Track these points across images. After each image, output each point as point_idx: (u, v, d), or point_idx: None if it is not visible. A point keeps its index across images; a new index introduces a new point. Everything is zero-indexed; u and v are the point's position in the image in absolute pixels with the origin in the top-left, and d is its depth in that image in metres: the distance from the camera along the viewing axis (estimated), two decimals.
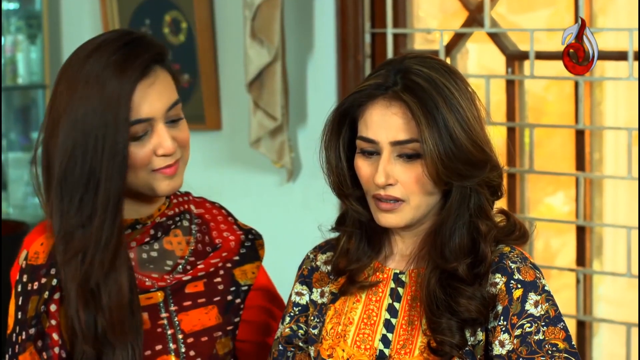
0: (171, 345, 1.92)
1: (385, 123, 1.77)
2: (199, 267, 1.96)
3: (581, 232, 3.32)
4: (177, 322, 1.93)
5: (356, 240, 1.87)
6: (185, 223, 1.99)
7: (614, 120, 3.50)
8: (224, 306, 1.98)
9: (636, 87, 3.10)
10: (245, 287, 2.01)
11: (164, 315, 1.92)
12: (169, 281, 1.92)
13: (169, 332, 1.92)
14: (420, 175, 1.76)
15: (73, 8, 4.42)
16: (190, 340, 1.93)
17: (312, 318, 1.91)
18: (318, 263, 1.94)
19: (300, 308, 1.93)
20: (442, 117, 1.73)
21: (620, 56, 3.16)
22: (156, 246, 1.94)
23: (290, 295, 1.95)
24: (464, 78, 1.82)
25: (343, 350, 1.84)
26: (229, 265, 2.00)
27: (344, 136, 1.84)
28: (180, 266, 1.95)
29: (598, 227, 3.37)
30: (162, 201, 1.95)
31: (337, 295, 1.89)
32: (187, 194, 2.04)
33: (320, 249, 1.96)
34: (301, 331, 1.92)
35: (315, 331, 1.90)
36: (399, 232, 1.86)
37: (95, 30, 4.30)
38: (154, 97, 1.83)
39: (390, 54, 3.52)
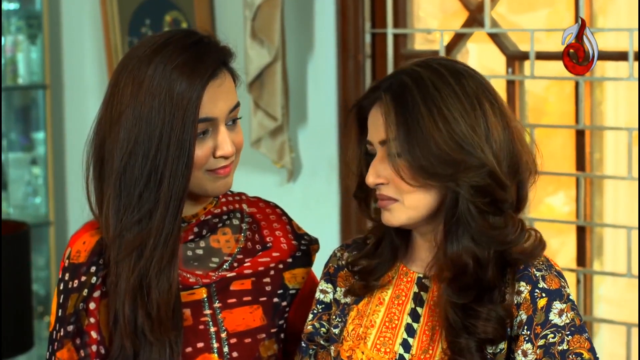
0: (214, 344, 1.90)
1: (375, 124, 1.78)
2: (246, 265, 1.95)
3: (581, 232, 3.32)
4: (220, 320, 1.91)
5: (380, 248, 1.87)
6: (236, 222, 1.98)
7: (614, 121, 3.50)
8: (270, 308, 1.96)
9: (636, 87, 3.10)
10: (293, 291, 1.99)
11: (207, 312, 1.91)
12: (214, 278, 1.92)
13: (212, 329, 1.91)
14: (396, 168, 1.75)
15: (73, 8, 4.42)
16: (233, 340, 1.91)
17: (334, 317, 1.90)
18: (344, 262, 1.92)
19: (323, 306, 1.93)
20: (416, 114, 1.72)
21: (621, 56, 3.16)
22: (202, 244, 1.94)
23: (316, 292, 1.95)
24: (480, 81, 1.78)
25: (362, 353, 1.82)
26: (280, 266, 1.98)
27: (362, 143, 1.84)
28: (227, 264, 1.94)
29: (598, 227, 3.37)
30: (209, 200, 1.95)
31: (360, 296, 1.88)
32: (241, 194, 2.04)
33: (347, 247, 1.95)
34: (323, 329, 1.92)
35: (337, 330, 1.89)
36: (420, 234, 1.84)
37: (95, 30, 4.31)
38: (220, 97, 1.85)
39: (390, 54, 3.53)
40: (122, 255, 1.83)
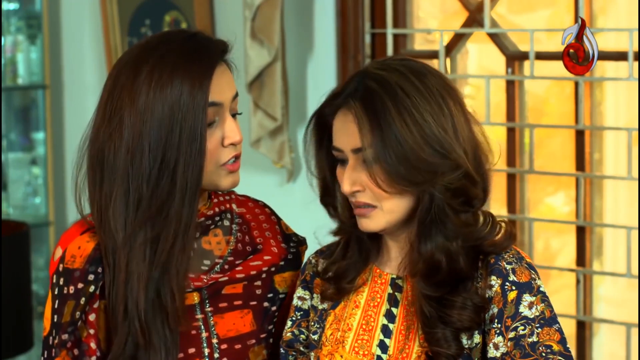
0: (205, 349, 1.89)
1: (345, 131, 1.77)
2: (237, 269, 1.93)
3: (581, 232, 3.32)
4: (212, 324, 1.90)
5: (351, 250, 1.87)
6: (226, 223, 1.96)
7: (614, 121, 3.51)
8: (260, 313, 1.94)
9: (636, 87, 3.10)
10: (283, 295, 1.98)
11: (199, 316, 1.89)
12: (205, 281, 1.89)
13: (204, 335, 1.89)
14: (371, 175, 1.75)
15: (73, 8, 4.42)
16: (224, 346, 1.90)
17: (312, 323, 1.91)
18: (319, 268, 1.92)
19: (302, 313, 1.93)
20: (389, 120, 1.72)
21: (621, 56, 3.16)
22: (194, 246, 1.90)
23: (293, 299, 1.95)
24: (437, 76, 1.79)
25: (341, 357, 1.83)
26: (272, 269, 1.96)
27: (326, 146, 1.84)
28: (218, 266, 1.92)
29: (598, 228, 3.37)
30: (203, 202, 1.92)
31: (337, 301, 1.88)
32: (230, 192, 2.01)
33: (321, 253, 1.94)
34: (302, 336, 1.92)
35: (316, 337, 1.89)
36: (391, 236, 1.84)
37: (95, 30, 4.31)
38: (225, 83, 1.84)
39: (390, 54, 3.52)
40: (136, 250, 1.80)
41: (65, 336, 1.84)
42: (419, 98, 1.74)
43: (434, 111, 1.74)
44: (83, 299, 1.84)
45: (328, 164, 1.85)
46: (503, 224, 1.81)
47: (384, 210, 1.77)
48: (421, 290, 1.76)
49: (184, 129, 1.79)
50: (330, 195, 1.86)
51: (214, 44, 1.86)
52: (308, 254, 2.04)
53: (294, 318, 1.93)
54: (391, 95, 1.73)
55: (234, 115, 1.87)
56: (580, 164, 3.31)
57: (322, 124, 1.83)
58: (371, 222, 1.79)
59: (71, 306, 1.85)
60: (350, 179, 1.77)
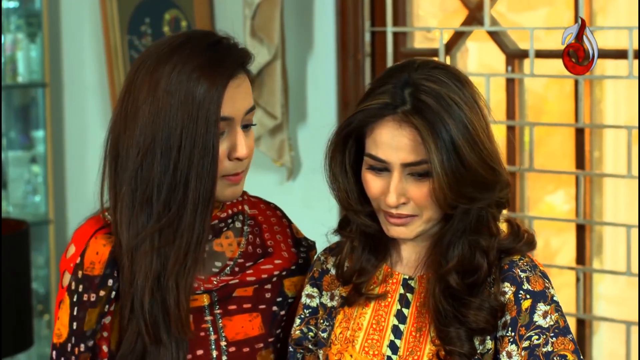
0: (214, 352, 1.88)
1: (395, 144, 1.74)
2: (248, 272, 1.92)
3: (581, 230, 3.32)
4: (221, 327, 1.89)
5: (360, 248, 1.85)
6: (238, 224, 1.95)
7: (614, 119, 3.50)
8: (269, 316, 1.94)
9: (636, 85, 3.10)
10: (292, 300, 1.97)
11: (208, 318, 1.88)
12: (215, 283, 1.89)
13: (213, 337, 1.88)
14: (431, 192, 1.74)
15: (73, 6, 4.42)
16: (232, 349, 1.89)
17: (321, 321, 1.90)
18: (329, 266, 1.91)
19: (310, 310, 1.92)
20: (451, 139, 1.71)
21: (620, 55, 3.16)
22: (206, 248, 1.89)
23: (301, 297, 1.94)
24: (469, 83, 1.79)
25: (351, 356, 1.83)
26: (283, 273, 1.96)
27: (349, 150, 1.81)
28: (229, 268, 1.91)
29: (598, 226, 3.37)
30: (216, 205, 1.90)
31: (346, 300, 1.87)
32: (243, 193, 1.99)
33: (330, 251, 1.94)
34: (311, 334, 1.91)
35: (325, 334, 1.89)
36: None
37: (95, 29, 4.31)
38: (238, 98, 1.82)
39: (390, 52, 3.53)
40: (141, 256, 1.80)
41: (91, 343, 1.84)
42: (469, 111, 1.74)
43: (481, 123, 1.75)
44: (107, 306, 1.84)
45: (352, 170, 1.82)
46: (526, 233, 1.81)
47: (423, 219, 1.77)
48: (451, 284, 1.75)
49: (197, 141, 1.78)
50: (355, 202, 1.83)
51: (236, 54, 1.83)
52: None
53: (302, 316, 1.92)
54: (449, 112, 1.72)
55: (247, 126, 1.85)
56: (580, 162, 3.31)
57: (348, 132, 1.80)
58: (407, 230, 1.78)
59: (94, 314, 1.84)
60: (397, 191, 1.75)
